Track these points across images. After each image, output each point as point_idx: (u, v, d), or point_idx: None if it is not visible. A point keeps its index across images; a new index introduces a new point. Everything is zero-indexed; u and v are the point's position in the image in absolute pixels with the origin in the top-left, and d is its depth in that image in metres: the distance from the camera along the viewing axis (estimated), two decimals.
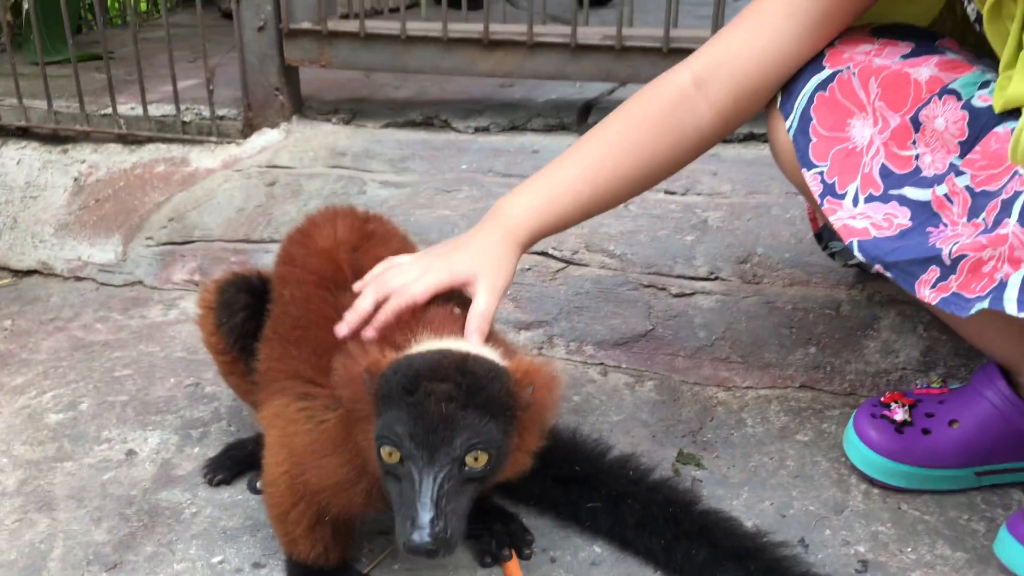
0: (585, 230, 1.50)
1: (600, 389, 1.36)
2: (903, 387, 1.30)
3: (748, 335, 1.37)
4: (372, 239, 1.06)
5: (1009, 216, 0.79)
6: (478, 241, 1.00)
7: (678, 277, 1.43)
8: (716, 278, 1.42)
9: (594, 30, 1.65)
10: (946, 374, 1.29)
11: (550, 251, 1.49)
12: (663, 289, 1.43)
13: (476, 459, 0.76)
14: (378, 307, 0.91)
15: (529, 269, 1.48)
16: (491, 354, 0.83)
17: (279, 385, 0.96)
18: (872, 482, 1.14)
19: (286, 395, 0.94)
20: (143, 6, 3.27)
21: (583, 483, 1.08)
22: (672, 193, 1.55)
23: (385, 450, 0.76)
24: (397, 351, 0.82)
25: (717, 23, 1.54)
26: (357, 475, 0.87)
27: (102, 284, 1.68)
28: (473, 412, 0.75)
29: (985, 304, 0.80)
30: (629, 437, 1.24)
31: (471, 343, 0.87)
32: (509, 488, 1.13)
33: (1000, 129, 0.87)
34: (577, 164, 1.02)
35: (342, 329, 0.91)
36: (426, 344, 0.83)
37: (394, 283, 0.91)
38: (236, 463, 1.16)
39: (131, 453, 1.22)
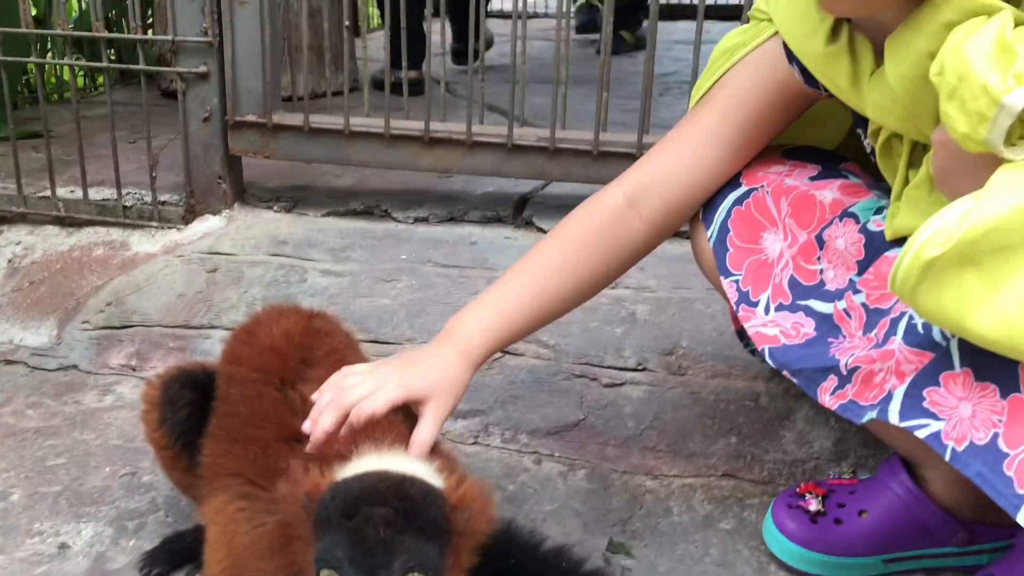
0: None
1: (534, 478, 1.40)
2: (817, 475, 1.38)
3: (674, 425, 1.44)
4: (317, 336, 1.10)
5: (896, 334, 0.89)
6: (433, 360, 1.03)
7: (608, 367, 1.50)
8: (644, 369, 1.50)
9: (530, 131, 1.75)
10: (856, 464, 1.37)
11: None
12: (594, 379, 1.49)
13: None
14: (340, 424, 0.94)
15: None
16: (429, 474, 0.86)
17: (222, 482, 0.98)
18: (790, 570, 1.20)
19: (228, 492, 0.96)
20: (80, 81, 3.28)
21: (519, 574, 1.12)
22: None
23: (324, 573, 0.79)
24: (340, 461, 0.86)
25: (643, 129, 1.65)
26: None
27: (34, 368, 1.67)
28: (411, 536, 0.78)
29: (874, 414, 0.89)
30: (562, 527, 1.28)
31: (410, 462, 0.89)
32: None
33: (890, 253, 0.97)
34: (522, 282, 1.09)
35: (309, 447, 0.93)
36: (367, 459, 0.86)
37: (352, 396, 0.94)
38: (174, 556, 1.17)
39: (64, 547, 1.21)
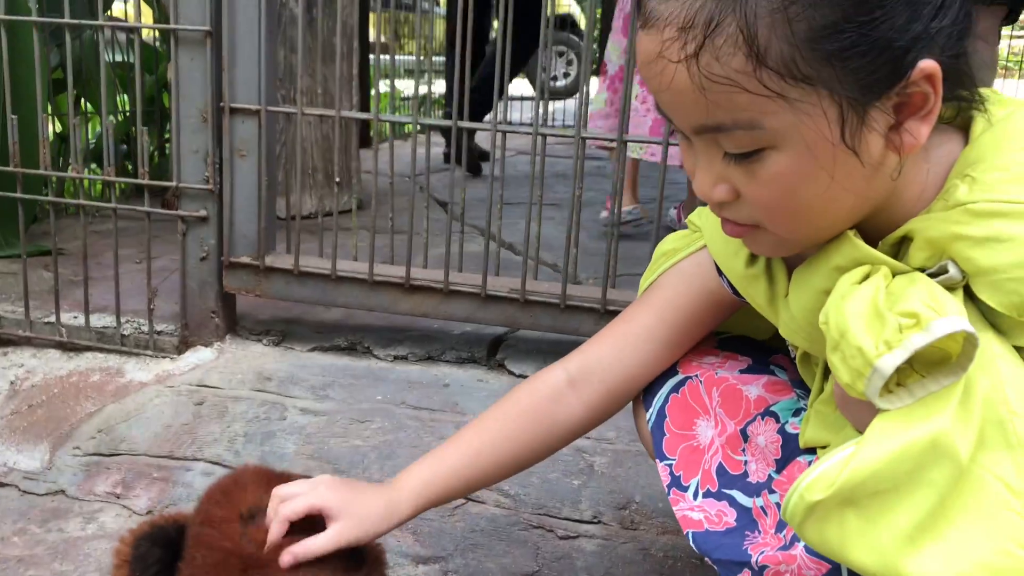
0: None
1: None
2: None
3: None
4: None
5: (800, 540, 0.97)
6: (365, 494, 1.16)
7: (565, 519, 1.58)
8: (598, 522, 1.57)
9: (503, 281, 1.86)
10: None
11: None
12: (551, 531, 1.57)
13: None
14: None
15: None
16: None
17: None
18: None
19: None
20: (98, 188, 3.45)
21: None
22: None
23: None
24: None
25: (606, 284, 1.76)
26: None
27: (24, 492, 1.75)
28: None
29: None
30: None
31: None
32: None
33: (802, 460, 1.05)
34: (460, 448, 1.19)
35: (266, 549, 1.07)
36: None
37: (282, 499, 1.12)
38: None
39: None
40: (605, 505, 1.59)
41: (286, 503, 1.13)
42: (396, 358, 1.96)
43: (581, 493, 1.61)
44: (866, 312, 0.81)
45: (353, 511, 1.14)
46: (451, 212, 1.93)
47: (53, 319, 1.97)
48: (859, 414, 0.87)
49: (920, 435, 0.79)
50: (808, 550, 0.97)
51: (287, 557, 1.10)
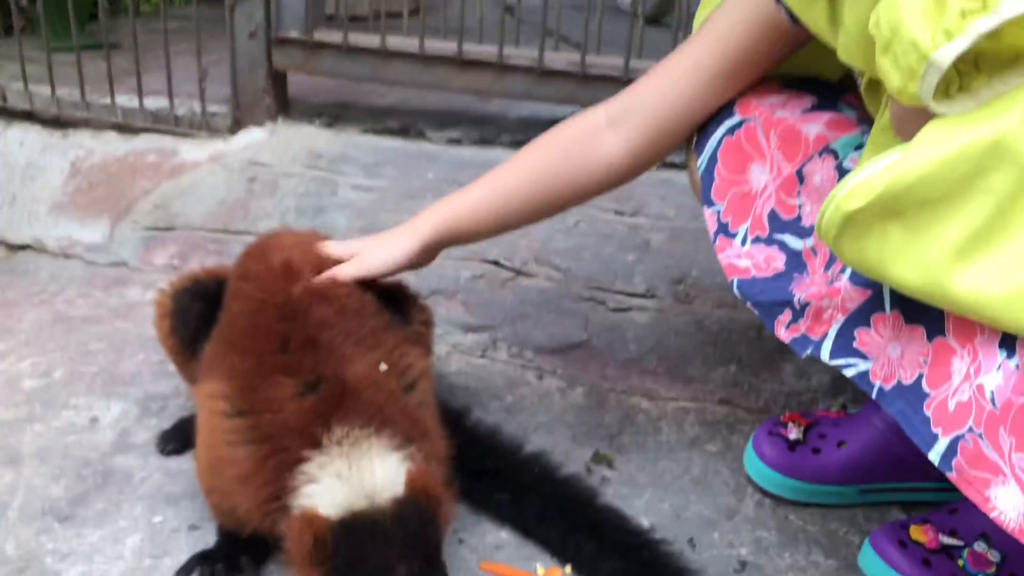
0: (536, 244, 1.60)
1: (534, 391, 1.46)
2: (814, 408, 1.40)
3: (676, 351, 1.47)
4: (322, 267, 1.16)
5: (845, 272, 0.90)
6: (387, 234, 1.20)
7: (617, 292, 1.54)
8: (652, 296, 1.53)
9: (561, 56, 1.76)
10: (852, 400, 1.39)
11: (501, 261, 1.59)
12: (602, 303, 1.53)
13: None
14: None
15: (481, 277, 1.59)
16: (398, 475, 0.93)
17: (213, 375, 1.06)
18: (765, 493, 1.24)
19: (215, 383, 1.04)
20: None
21: (494, 477, 1.19)
22: (621, 214, 1.65)
23: None
24: (312, 447, 0.94)
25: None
26: (249, 498, 0.98)
27: (89, 263, 1.79)
28: (418, 563, 0.89)
29: (811, 350, 0.91)
30: (551, 436, 1.34)
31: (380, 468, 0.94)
32: None
33: None
34: (484, 183, 1.16)
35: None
36: (336, 466, 0.93)
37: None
38: (187, 436, 1.27)
39: (94, 420, 1.33)
40: (660, 279, 1.54)
41: (326, 245, 1.15)
42: (450, 141, 1.90)
43: (635, 268, 1.56)
44: (925, 1, 0.71)
45: (379, 242, 1.18)
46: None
47: (109, 102, 1.96)
48: (917, 133, 0.78)
49: (981, 136, 0.69)
50: (853, 280, 0.90)
51: (322, 278, 1.10)
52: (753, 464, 1.25)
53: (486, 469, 1.19)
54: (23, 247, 1.87)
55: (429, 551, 0.90)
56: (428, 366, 1.16)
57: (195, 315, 1.18)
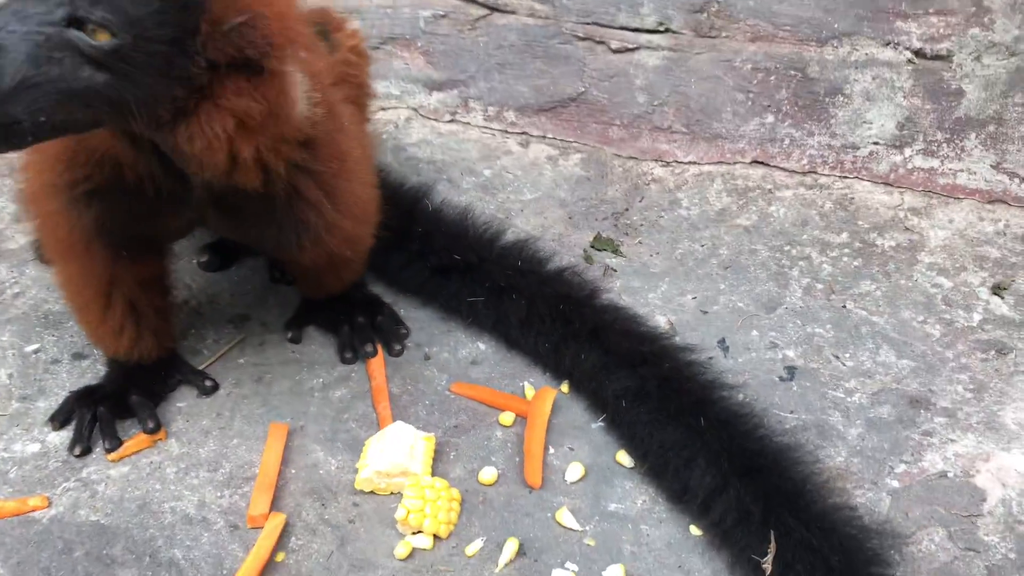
0: None
1: (517, 163, 1.15)
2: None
3: (697, 100, 1.14)
4: None
5: None
6: None
7: (620, 28, 1.18)
8: (665, 30, 1.18)
9: None
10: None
11: None
12: (601, 43, 1.18)
13: (93, 31, 0.56)
14: None
15: (444, 16, 1.23)
16: None
17: None
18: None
19: None
20: None
21: (467, 274, 0.91)
22: None
23: None
24: None
25: None
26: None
27: None
28: None
29: None
30: (541, 218, 1.05)
31: None
32: (386, 276, 0.97)
33: None
34: None
35: None
36: None
37: None
38: None
39: None
40: (675, 7, 1.18)
41: None
42: None
43: None
44: None
45: None
46: None
47: None
48: None
49: None
50: None
51: None
52: None
53: (455, 264, 0.91)
54: None
55: None
56: (360, 113, 0.86)
57: None
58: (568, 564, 0.71)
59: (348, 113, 0.83)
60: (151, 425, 0.80)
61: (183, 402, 0.85)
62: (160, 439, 0.81)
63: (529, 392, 0.85)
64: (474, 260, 0.90)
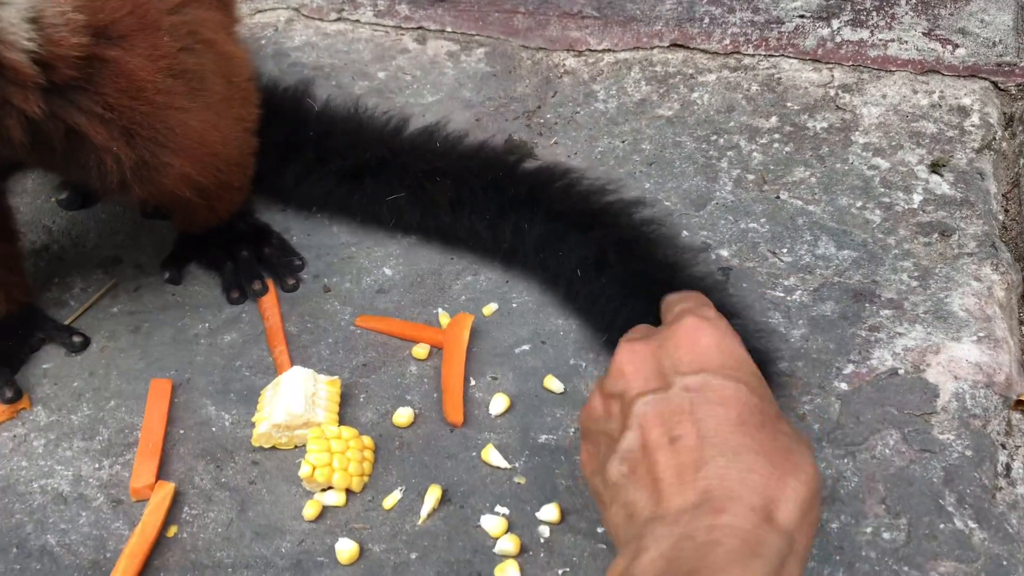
0: None
1: (414, 62, 1.04)
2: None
3: None
4: None
5: None
6: None
7: None
8: None
9: None
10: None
11: None
12: None
13: None
14: None
15: None
16: None
17: None
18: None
19: None
20: None
21: (378, 171, 0.81)
22: None
23: None
24: None
25: None
26: None
27: None
28: None
29: None
30: (445, 122, 0.95)
31: None
32: (282, 195, 0.86)
33: None
34: None
35: None
36: None
37: None
38: None
39: None
40: None
41: None
42: None
43: None
44: None
45: None
46: None
47: None
48: None
49: None
50: None
51: None
52: None
53: (365, 163, 0.81)
54: None
55: None
56: (219, 12, 0.74)
57: None
58: (498, 508, 0.64)
59: (204, 18, 0.70)
60: (9, 394, 0.70)
61: (49, 363, 0.75)
62: (23, 408, 0.71)
63: (444, 319, 0.76)
64: (385, 154, 0.80)
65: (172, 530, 0.63)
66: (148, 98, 0.61)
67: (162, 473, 0.66)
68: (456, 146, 0.84)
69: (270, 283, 0.79)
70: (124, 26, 0.60)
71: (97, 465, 0.67)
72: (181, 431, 0.69)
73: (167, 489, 0.64)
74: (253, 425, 0.68)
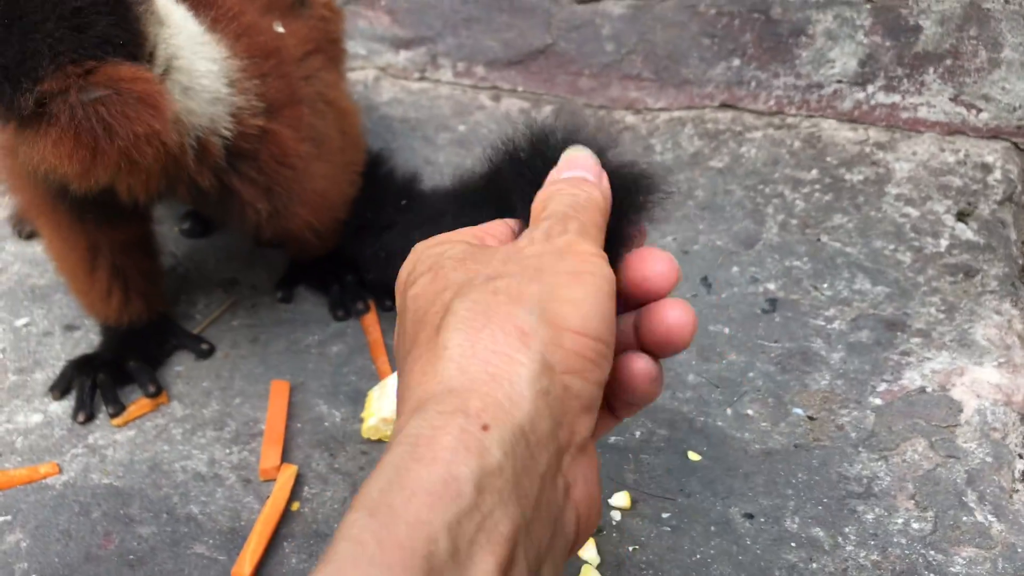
0: None
1: (490, 117, 1.17)
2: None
3: (664, 47, 1.16)
4: None
5: None
6: None
7: None
8: None
9: None
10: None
11: None
12: None
13: None
14: None
15: None
16: None
17: None
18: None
19: None
20: None
21: (458, 213, 0.92)
22: None
23: None
24: None
25: None
26: None
27: None
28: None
29: None
30: None
31: None
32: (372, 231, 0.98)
33: None
34: None
35: None
36: None
37: None
38: None
39: None
40: None
41: None
42: None
43: None
44: None
45: None
46: None
47: None
48: None
49: None
50: None
51: None
52: None
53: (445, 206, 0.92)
54: None
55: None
56: (336, 73, 0.86)
57: None
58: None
59: (328, 80, 0.83)
60: (152, 389, 0.81)
61: (181, 366, 0.86)
62: (163, 403, 0.82)
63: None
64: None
65: (295, 505, 0.74)
66: (291, 163, 0.74)
67: (284, 458, 0.77)
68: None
69: (371, 303, 0.90)
70: (280, 102, 0.72)
71: (228, 451, 0.78)
72: (298, 425, 0.80)
73: (291, 471, 0.75)
74: (362, 421, 0.79)
